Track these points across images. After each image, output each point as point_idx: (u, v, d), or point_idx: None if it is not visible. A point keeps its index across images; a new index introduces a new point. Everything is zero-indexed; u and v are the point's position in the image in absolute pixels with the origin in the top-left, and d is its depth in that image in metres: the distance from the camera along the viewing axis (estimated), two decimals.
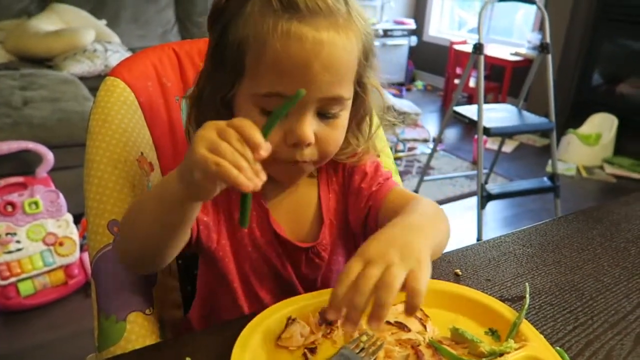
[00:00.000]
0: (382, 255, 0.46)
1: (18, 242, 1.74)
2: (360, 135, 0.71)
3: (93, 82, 2.68)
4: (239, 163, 0.46)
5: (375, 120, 0.92)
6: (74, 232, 1.84)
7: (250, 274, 0.72)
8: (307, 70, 0.56)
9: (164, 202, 0.54)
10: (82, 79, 2.79)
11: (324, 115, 0.61)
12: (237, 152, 0.46)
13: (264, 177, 0.48)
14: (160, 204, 0.55)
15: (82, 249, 1.87)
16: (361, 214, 0.71)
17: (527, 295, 0.63)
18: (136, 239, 0.61)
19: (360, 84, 0.65)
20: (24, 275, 1.72)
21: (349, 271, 0.46)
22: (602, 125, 3.55)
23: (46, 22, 3.10)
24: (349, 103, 0.64)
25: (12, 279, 1.70)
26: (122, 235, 0.63)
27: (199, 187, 0.49)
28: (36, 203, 1.80)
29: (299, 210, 0.73)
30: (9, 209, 1.77)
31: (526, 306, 0.59)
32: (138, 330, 0.69)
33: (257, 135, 0.47)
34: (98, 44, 3.04)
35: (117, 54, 3.00)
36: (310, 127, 0.59)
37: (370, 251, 0.47)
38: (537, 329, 0.56)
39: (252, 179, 0.46)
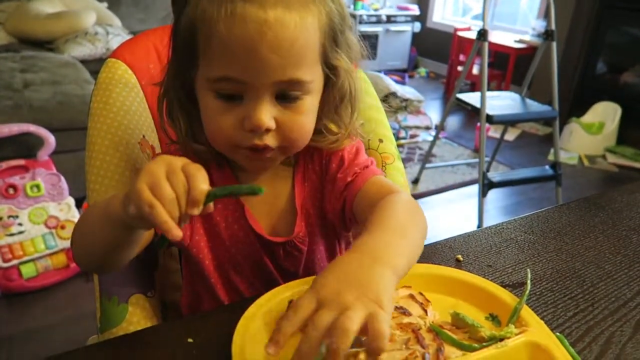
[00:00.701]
0: (337, 296, 0.42)
1: (20, 224, 1.75)
2: (340, 121, 0.67)
3: (94, 66, 2.66)
4: (173, 212, 0.45)
5: (377, 104, 0.92)
6: (75, 216, 1.85)
7: (229, 268, 0.71)
8: (254, 53, 0.53)
9: (109, 221, 0.53)
10: (83, 62, 2.78)
11: (284, 99, 0.58)
12: (175, 200, 0.45)
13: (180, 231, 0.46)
14: (107, 222, 0.53)
15: None
16: (337, 204, 0.68)
17: (529, 281, 0.63)
18: (87, 249, 0.60)
19: (329, 67, 0.61)
20: (26, 258, 1.72)
21: (300, 309, 0.42)
22: (605, 114, 3.53)
23: (47, 4, 3.07)
24: (314, 87, 0.60)
25: (15, 262, 1.71)
26: (75, 243, 0.61)
27: (133, 219, 0.48)
28: (38, 186, 1.81)
29: (274, 203, 0.70)
30: (11, 191, 1.77)
31: (527, 292, 0.59)
32: (140, 313, 0.69)
33: (201, 191, 0.46)
34: (99, 26, 3.02)
35: (118, 37, 2.99)
36: (266, 112, 0.57)
37: (325, 289, 0.43)
38: (537, 315, 0.57)
39: (177, 230, 0.45)
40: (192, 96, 0.63)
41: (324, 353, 0.40)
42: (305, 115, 0.61)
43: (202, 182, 0.47)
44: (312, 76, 0.59)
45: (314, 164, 0.70)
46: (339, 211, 0.68)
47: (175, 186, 0.46)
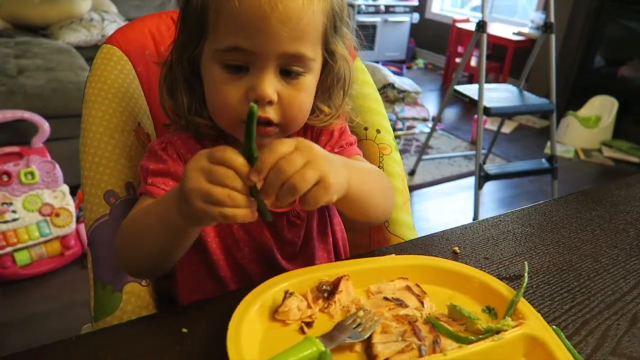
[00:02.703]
0: (309, 150, 0.50)
1: (14, 212, 1.73)
2: (332, 104, 0.71)
3: (90, 52, 2.63)
4: (237, 203, 0.48)
5: (370, 94, 0.91)
6: (70, 203, 1.84)
7: (231, 244, 0.71)
8: (264, 24, 0.56)
9: (168, 228, 0.56)
10: (79, 48, 2.75)
11: (287, 74, 0.61)
12: (231, 191, 0.48)
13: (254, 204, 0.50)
14: (165, 229, 0.56)
15: (78, 221, 1.87)
16: None
17: (526, 274, 0.62)
18: (142, 255, 0.61)
19: (328, 51, 0.65)
20: (20, 245, 1.71)
21: (278, 147, 0.49)
22: (602, 108, 3.53)
23: None
24: (315, 66, 0.63)
25: (8, 249, 1.70)
26: (126, 250, 0.63)
27: (205, 224, 0.54)
28: (32, 173, 1.79)
29: None
30: (5, 178, 1.75)
31: (524, 284, 0.59)
32: (134, 301, 0.69)
33: (242, 163, 0.48)
34: (95, 13, 2.99)
35: (114, 24, 2.95)
36: (270, 84, 0.59)
37: (303, 142, 0.51)
38: (534, 308, 0.56)
39: (250, 210, 0.49)
40: (196, 72, 0.65)
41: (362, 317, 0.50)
42: (304, 93, 0.63)
43: (234, 157, 0.48)
44: (314, 55, 0.62)
45: (306, 137, 0.73)
46: None
47: (223, 181, 0.48)
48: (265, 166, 0.48)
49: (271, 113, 0.61)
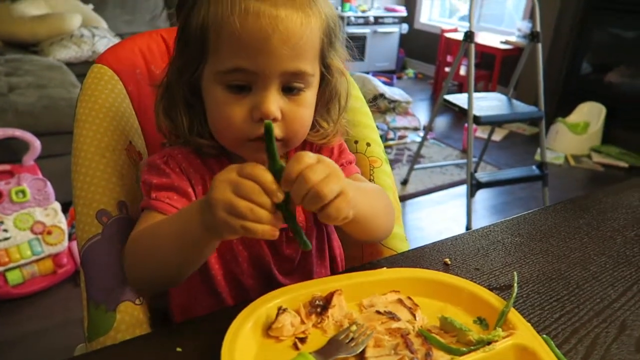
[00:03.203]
0: (330, 164, 0.52)
1: (5, 230, 1.72)
2: (330, 119, 0.72)
3: (80, 69, 2.64)
4: (259, 217, 0.49)
5: (365, 107, 0.92)
6: (62, 221, 1.83)
7: (230, 259, 0.72)
8: (266, 44, 0.58)
9: (187, 241, 0.57)
10: (69, 64, 2.75)
11: (289, 90, 0.63)
12: (255, 206, 0.49)
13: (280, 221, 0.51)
14: (183, 242, 0.57)
15: (70, 238, 1.86)
16: None
17: (515, 284, 0.63)
18: (155, 269, 0.62)
19: (325, 66, 0.67)
20: (12, 265, 1.70)
21: (304, 158, 0.50)
22: (590, 114, 3.58)
23: (31, 6, 3.04)
24: (314, 81, 0.65)
25: (0, 268, 1.68)
26: (136, 264, 0.64)
27: (226, 236, 0.52)
28: (23, 191, 1.78)
29: None
30: None
31: (514, 295, 0.60)
32: (128, 320, 0.69)
33: (270, 181, 0.50)
34: (85, 29, 3.00)
35: (104, 40, 2.96)
36: (274, 101, 0.61)
37: (324, 157, 0.53)
38: (524, 317, 0.57)
39: (274, 225, 0.50)
40: (196, 94, 0.66)
41: (355, 331, 0.51)
42: (305, 108, 0.65)
43: (263, 173, 0.50)
44: (313, 70, 0.64)
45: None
46: None
47: (250, 196, 0.49)
48: (293, 175, 0.50)
49: (276, 130, 0.62)
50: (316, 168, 0.50)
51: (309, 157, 0.51)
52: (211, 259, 0.71)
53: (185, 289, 0.74)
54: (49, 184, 1.84)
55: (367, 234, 0.68)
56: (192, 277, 0.72)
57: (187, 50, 0.64)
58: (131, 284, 0.67)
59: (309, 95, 0.65)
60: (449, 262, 0.72)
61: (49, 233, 1.78)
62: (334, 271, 0.80)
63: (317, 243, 0.77)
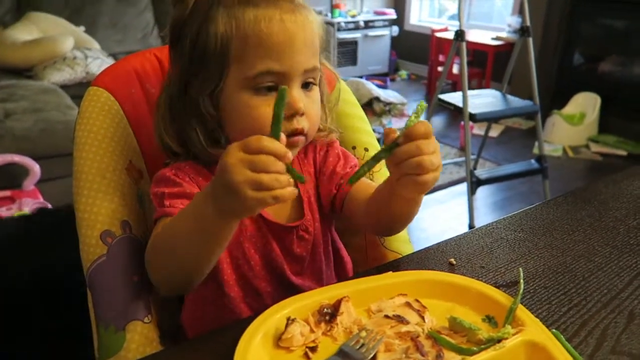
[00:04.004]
0: (437, 143, 0.59)
1: None
2: (324, 113, 0.77)
3: (75, 90, 2.65)
4: (284, 184, 0.51)
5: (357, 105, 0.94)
6: None
7: (243, 263, 0.72)
8: (292, 45, 0.64)
9: (204, 232, 0.57)
10: (64, 87, 2.76)
11: (305, 86, 0.68)
12: (277, 175, 0.51)
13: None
14: (199, 235, 0.58)
15: None
16: (330, 195, 0.77)
17: (521, 280, 0.63)
18: (177, 267, 0.62)
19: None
20: None
21: (428, 126, 0.58)
22: (585, 105, 3.59)
23: (23, 32, 3.05)
24: (318, 77, 0.71)
25: None
26: (158, 267, 0.65)
27: (254, 212, 0.54)
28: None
29: None
30: None
31: (521, 291, 0.60)
32: (138, 339, 0.69)
33: (279, 146, 0.51)
34: (78, 51, 3.01)
35: (97, 60, 2.97)
36: (301, 97, 0.66)
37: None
38: (532, 313, 0.57)
39: (293, 187, 0.52)
40: (212, 106, 0.68)
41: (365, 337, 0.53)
42: (316, 103, 0.70)
43: (271, 141, 0.51)
44: (319, 66, 0.70)
45: (308, 157, 0.79)
46: (330, 201, 0.78)
47: (268, 168, 0.50)
48: (417, 136, 0.57)
49: (302, 123, 0.67)
50: (430, 141, 0.57)
51: (430, 128, 0.58)
52: (223, 263, 0.71)
53: (197, 297, 0.75)
54: (50, 207, 1.84)
55: (406, 218, 0.70)
56: (204, 285, 0.72)
57: (205, 65, 0.66)
58: (157, 287, 0.68)
59: (317, 91, 0.71)
60: (454, 262, 0.72)
61: None
62: (343, 275, 0.81)
63: (324, 245, 0.78)
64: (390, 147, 0.58)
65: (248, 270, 0.73)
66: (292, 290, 0.72)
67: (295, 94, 0.65)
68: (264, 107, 0.64)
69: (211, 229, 0.57)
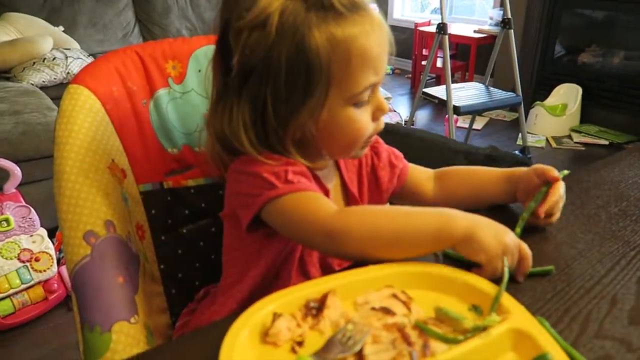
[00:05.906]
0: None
1: None
2: None
3: (56, 91, 2.61)
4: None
5: None
6: (49, 247, 1.80)
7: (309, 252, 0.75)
8: (384, 54, 0.67)
9: (420, 247, 0.63)
10: (44, 88, 2.72)
11: None
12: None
13: None
14: (416, 247, 0.63)
15: (59, 263, 1.84)
16: (390, 187, 0.84)
17: (506, 268, 0.64)
18: (378, 251, 0.64)
19: None
20: (1, 295, 1.68)
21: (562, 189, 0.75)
22: (567, 96, 3.63)
23: (0, 33, 3.00)
24: None
25: None
26: (362, 239, 0.64)
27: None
28: (7, 220, 1.76)
29: (333, 192, 0.79)
30: None
31: (506, 279, 0.61)
32: (124, 340, 0.68)
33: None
34: (57, 51, 2.96)
35: (78, 60, 2.94)
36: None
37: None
38: (517, 301, 0.58)
39: None
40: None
41: (352, 330, 0.54)
42: None
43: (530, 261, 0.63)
44: None
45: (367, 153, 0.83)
46: (393, 187, 0.85)
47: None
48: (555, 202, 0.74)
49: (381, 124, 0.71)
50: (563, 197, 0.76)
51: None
52: (312, 268, 0.76)
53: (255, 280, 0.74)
54: (33, 210, 1.82)
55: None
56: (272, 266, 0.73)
57: (305, 88, 0.63)
58: (351, 252, 0.66)
59: None
60: (439, 253, 0.72)
61: (37, 260, 1.76)
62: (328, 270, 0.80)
63: None
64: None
65: (307, 255, 0.74)
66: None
67: (381, 96, 0.68)
68: (365, 116, 0.67)
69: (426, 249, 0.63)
